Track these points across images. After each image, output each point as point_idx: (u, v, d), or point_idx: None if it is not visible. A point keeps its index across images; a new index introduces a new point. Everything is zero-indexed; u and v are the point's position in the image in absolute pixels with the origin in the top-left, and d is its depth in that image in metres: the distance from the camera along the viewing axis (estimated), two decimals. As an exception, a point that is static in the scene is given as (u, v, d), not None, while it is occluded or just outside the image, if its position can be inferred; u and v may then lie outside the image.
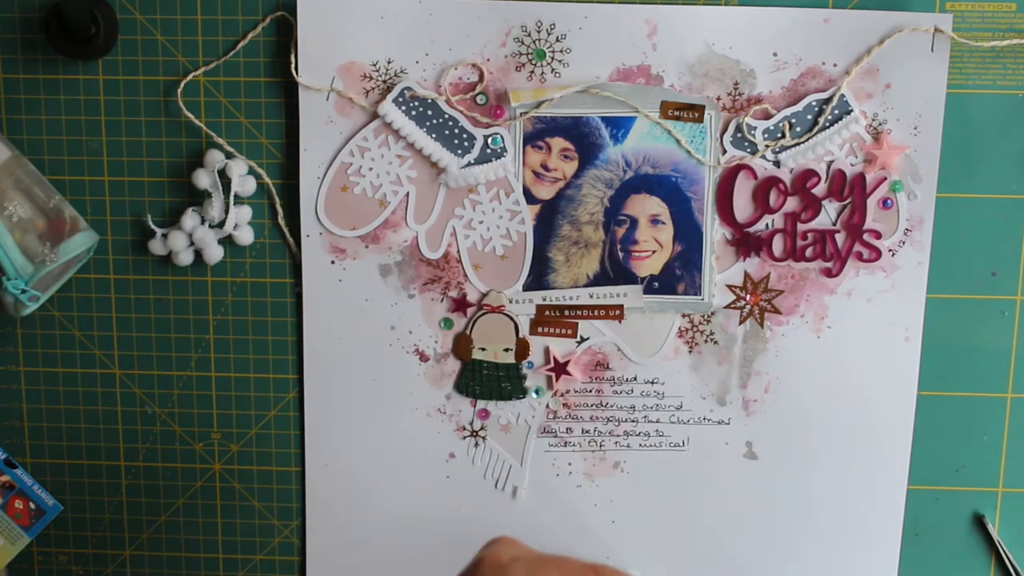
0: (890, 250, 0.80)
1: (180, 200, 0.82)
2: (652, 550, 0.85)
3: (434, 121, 0.79)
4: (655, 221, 0.81)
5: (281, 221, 0.82)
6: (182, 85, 0.80)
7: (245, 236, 0.81)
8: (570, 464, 0.84)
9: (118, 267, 0.83)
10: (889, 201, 0.79)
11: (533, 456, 0.84)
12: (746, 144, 0.79)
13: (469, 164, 0.80)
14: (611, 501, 0.85)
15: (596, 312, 0.82)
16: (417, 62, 0.79)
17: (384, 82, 0.79)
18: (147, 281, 0.83)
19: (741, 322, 0.82)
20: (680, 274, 0.81)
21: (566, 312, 0.82)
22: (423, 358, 0.83)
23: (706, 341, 0.82)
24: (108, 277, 0.83)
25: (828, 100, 0.78)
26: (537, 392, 0.83)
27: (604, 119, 0.79)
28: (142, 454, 0.86)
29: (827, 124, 0.78)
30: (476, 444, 0.84)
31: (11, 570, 0.87)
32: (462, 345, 0.82)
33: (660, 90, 0.78)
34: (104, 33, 0.78)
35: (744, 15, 0.77)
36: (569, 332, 0.82)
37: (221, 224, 0.80)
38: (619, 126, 0.79)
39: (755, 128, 0.79)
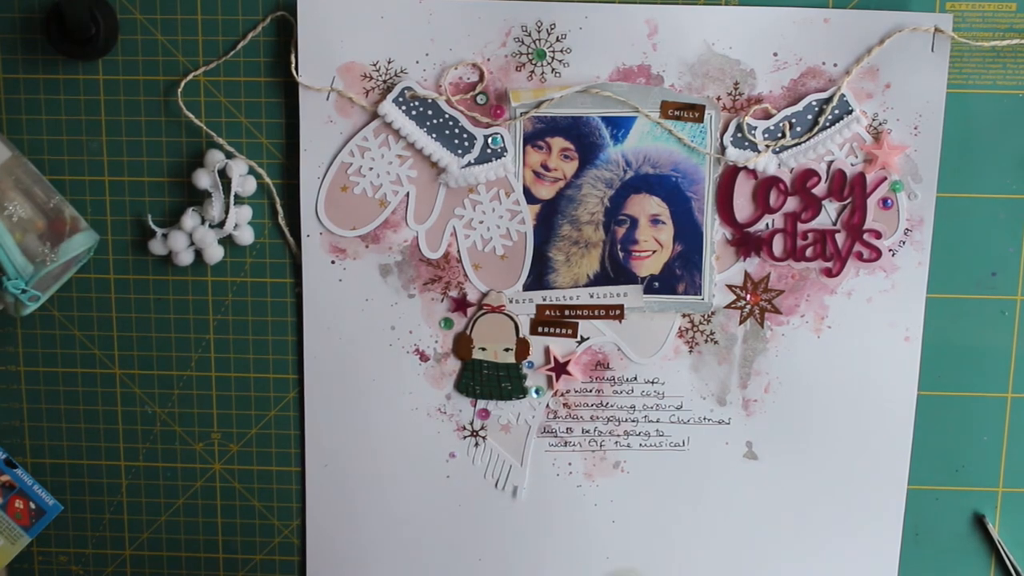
0: (890, 250, 0.80)
1: (180, 200, 0.82)
2: (652, 550, 0.85)
3: (434, 121, 0.79)
4: (655, 221, 0.81)
5: (281, 221, 0.82)
6: (182, 85, 0.80)
7: (245, 236, 0.81)
8: (570, 464, 0.84)
9: (118, 267, 0.83)
10: (889, 201, 0.79)
11: (533, 456, 0.84)
12: (746, 144, 0.79)
13: (469, 164, 0.80)
14: (611, 501, 0.85)
15: (596, 312, 0.82)
16: (417, 62, 0.79)
17: (384, 82, 0.79)
18: (147, 281, 0.83)
19: (741, 322, 0.82)
20: (680, 274, 0.81)
21: (566, 312, 0.82)
22: (423, 358, 0.83)
23: (706, 341, 0.82)
24: (108, 277, 0.83)
25: (828, 100, 0.78)
26: (537, 392, 0.83)
27: (604, 119, 0.79)
28: (142, 454, 0.86)
29: (827, 124, 0.78)
30: (476, 444, 0.84)
31: (11, 570, 0.87)
32: (462, 345, 0.82)
33: (660, 90, 0.78)
34: (104, 33, 0.78)
35: (744, 15, 0.77)
36: (569, 332, 0.82)
37: (221, 224, 0.80)
38: (619, 126, 0.79)
39: (755, 128, 0.79)
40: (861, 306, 0.81)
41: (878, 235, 0.80)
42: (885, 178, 0.79)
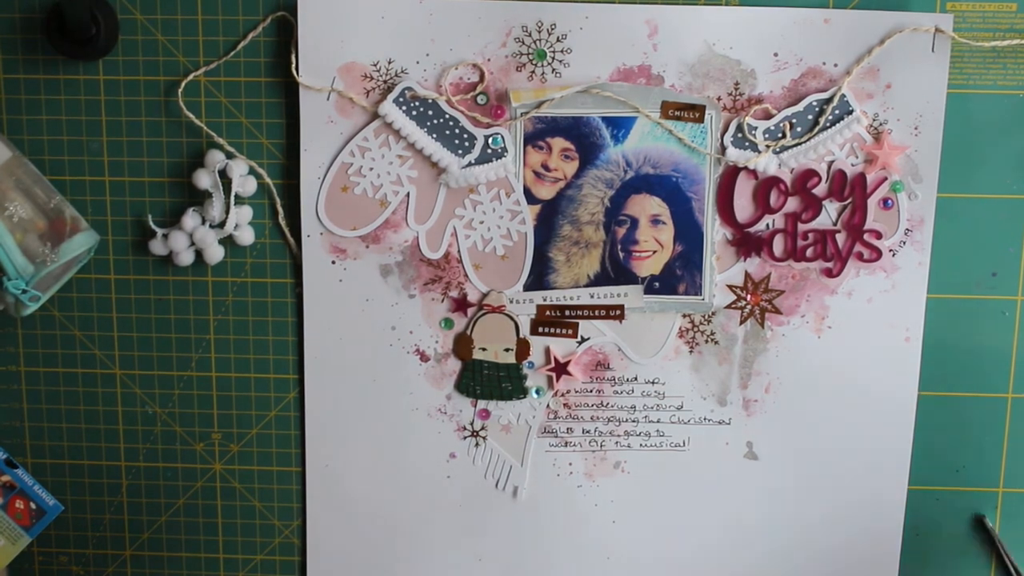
0: (890, 250, 0.80)
1: (181, 200, 0.82)
2: (652, 550, 0.85)
3: (435, 121, 0.79)
4: (656, 221, 0.81)
5: (282, 221, 0.82)
6: (183, 85, 0.80)
7: (246, 236, 0.81)
8: (570, 464, 0.84)
9: (118, 267, 0.83)
10: (890, 201, 0.79)
11: (534, 456, 0.84)
12: (747, 144, 0.79)
13: (470, 164, 0.80)
14: (611, 501, 0.85)
15: (596, 312, 0.82)
16: (418, 62, 0.79)
17: (385, 82, 0.79)
18: (147, 281, 0.83)
19: (742, 322, 0.82)
20: (681, 274, 0.81)
21: (567, 312, 0.82)
22: (424, 358, 0.83)
23: (707, 341, 0.82)
24: (108, 277, 0.83)
25: (829, 100, 0.78)
26: (538, 392, 0.83)
27: (605, 119, 0.79)
28: (142, 454, 0.86)
29: (828, 124, 0.78)
30: (477, 444, 0.84)
31: (12, 570, 0.87)
32: (463, 345, 0.82)
33: (661, 90, 0.78)
34: (104, 33, 0.78)
35: (744, 15, 0.77)
36: (570, 332, 0.82)
37: (222, 224, 0.80)
38: (620, 126, 0.79)
39: (756, 128, 0.79)
40: (861, 306, 0.81)
41: (878, 235, 0.80)
42: (885, 178, 0.79)
